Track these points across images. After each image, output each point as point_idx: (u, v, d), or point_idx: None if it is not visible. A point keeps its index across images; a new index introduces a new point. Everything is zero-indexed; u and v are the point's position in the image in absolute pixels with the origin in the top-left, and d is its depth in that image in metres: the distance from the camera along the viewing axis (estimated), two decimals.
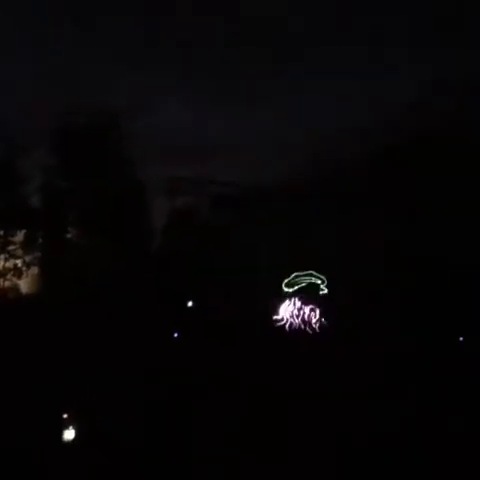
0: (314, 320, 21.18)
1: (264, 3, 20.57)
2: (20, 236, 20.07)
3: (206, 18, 20.31)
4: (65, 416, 12.17)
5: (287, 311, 21.38)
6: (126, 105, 18.95)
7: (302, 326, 21.11)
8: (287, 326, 21.15)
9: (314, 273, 21.57)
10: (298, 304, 21.42)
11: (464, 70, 19.82)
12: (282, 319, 21.21)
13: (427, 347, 17.63)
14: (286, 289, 21.53)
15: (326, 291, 21.42)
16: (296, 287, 21.59)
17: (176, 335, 19.72)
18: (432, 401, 13.27)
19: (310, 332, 20.94)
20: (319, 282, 21.58)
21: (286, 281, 21.52)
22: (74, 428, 12.08)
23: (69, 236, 20.39)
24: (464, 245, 20.12)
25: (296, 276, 21.65)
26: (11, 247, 19.86)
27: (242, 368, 15.17)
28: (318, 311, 21.28)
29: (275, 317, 21.15)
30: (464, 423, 11.85)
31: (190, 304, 21.61)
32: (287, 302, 21.42)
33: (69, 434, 12.18)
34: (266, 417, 11.71)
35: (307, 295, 21.43)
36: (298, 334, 20.86)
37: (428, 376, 15.34)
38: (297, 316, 21.29)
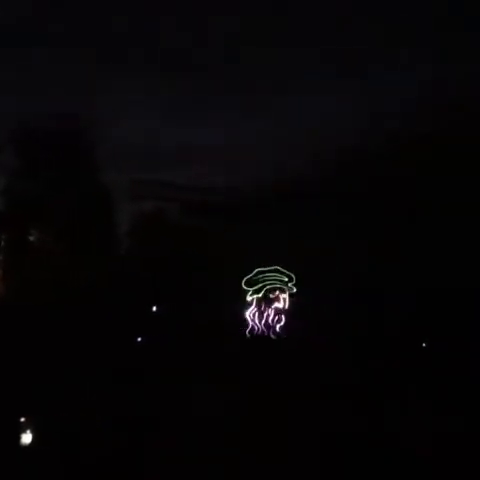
0: (279, 325, 19.44)
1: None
2: None
3: (192, 17, 20.04)
4: (22, 420, 12.17)
5: (248, 314, 19.56)
6: (97, 109, 18.97)
7: (265, 331, 19.36)
8: (248, 331, 19.43)
9: (280, 269, 19.62)
10: (262, 306, 19.57)
11: (464, 70, 19.62)
12: (243, 323, 19.46)
13: (392, 352, 17.75)
14: (246, 288, 19.66)
15: (295, 290, 19.52)
16: (260, 285, 19.66)
17: (139, 339, 19.75)
18: (397, 403, 13.42)
19: (274, 338, 19.27)
20: (286, 280, 19.61)
21: (246, 278, 19.62)
22: (31, 432, 12.10)
23: (32, 239, 20.28)
24: (432, 251, 20.24)
25: (259, 272, 19.68)
26: None
27: (199, 374, 15.25)
28: (284, 314, 19.49)
29: (237, 321, 19.49)
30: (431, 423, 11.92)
31: (154, 309, 21.63)
32: (249, 302, 19.55)
33: (26, 438, 12.20)
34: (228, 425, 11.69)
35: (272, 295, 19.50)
36: (260, 340, 19.29)
37: (393, 380, 15.39)
38: (260, 320, 19.48)
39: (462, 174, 19.59)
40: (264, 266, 19.62)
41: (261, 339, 19.39)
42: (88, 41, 18.43)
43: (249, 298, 19.61)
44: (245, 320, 19.63)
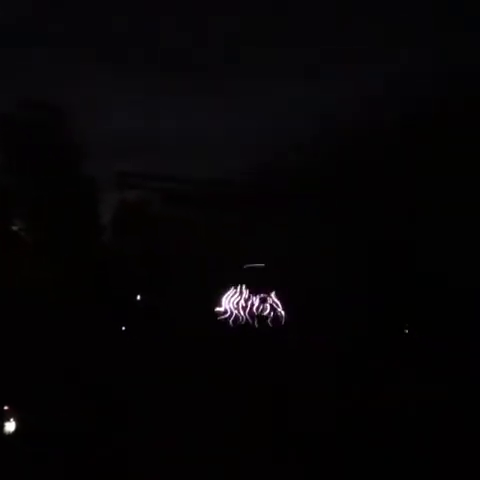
0: (265, 313, 19.34)
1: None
2: None
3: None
4: (6, 408, 12.31)
5: (231, 302, 19.47)
6: (78, 100, 18.93)
7: (249, 320, 19.20)
8: (231, 320, 19.29)
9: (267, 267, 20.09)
10: (245, 294, 19.49)
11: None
12: (225, 312, 19.39)
13: (376, 339, 18.06)
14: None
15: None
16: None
17: (124, 329, 19.91)
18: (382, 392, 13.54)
19: (258, 327, 19.18)
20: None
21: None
22: (15, 420, 12.25)
23: (15, 229, 20.27)
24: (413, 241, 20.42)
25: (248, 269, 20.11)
26: None
27: (182, 362, 15.35)
28: (269, 302, 19.46)
29: (218, 309, 19.46)
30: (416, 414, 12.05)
31: (138, 298, 21.75)
32: (232, 291, 19.53)
33: (10, 426, 12.35)
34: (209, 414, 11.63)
35: (258, 283, 19.62)
36: (244, 329, 19.17)
37: (379, 368, 15.79)
38: (244, 308, 19.35)
39: (451, 173, 19.71)
40: (251, 259, 19.95)
41: (244, 328, 19.32)
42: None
43: (232, 288, 19.67)
44: (225, 309, 19.59)
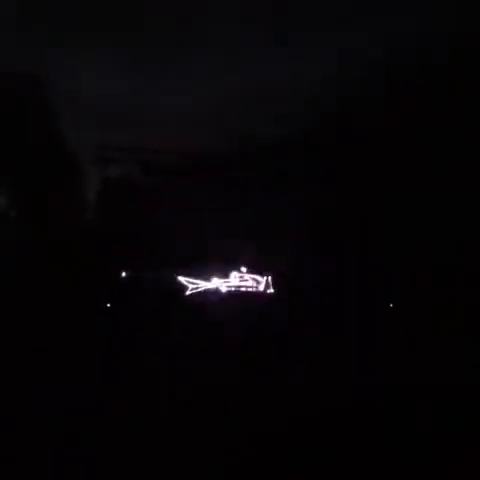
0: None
1: None
2: None
3: None
4: None
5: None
6: (55, 71, 18.25)
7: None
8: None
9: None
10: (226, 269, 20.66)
11: None
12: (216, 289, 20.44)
13: (360, 312, 18.09)
14: None
15: None
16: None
17: (109, 305, 19.87)
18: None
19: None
20: None
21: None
22: None
23: None
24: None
25: None
26: None
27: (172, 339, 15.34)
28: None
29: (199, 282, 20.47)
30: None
31: (124, 274, 21.65)
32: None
33: None
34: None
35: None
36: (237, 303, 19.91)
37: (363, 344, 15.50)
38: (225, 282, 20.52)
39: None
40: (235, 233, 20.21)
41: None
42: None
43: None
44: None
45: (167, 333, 15.94)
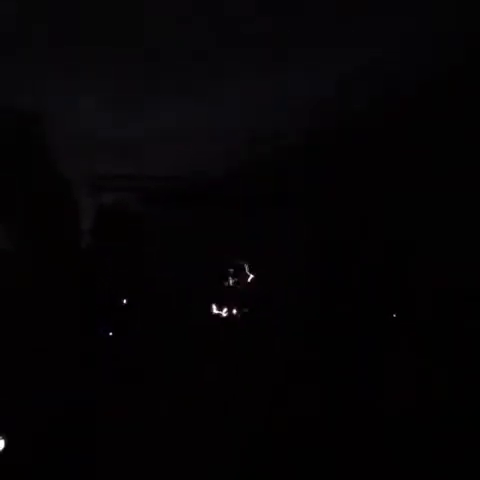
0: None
1: None
2: None
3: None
4: None
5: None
6: (48, 105, 18.42)
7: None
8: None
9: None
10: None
11: None
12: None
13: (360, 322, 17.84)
14: None
15: None
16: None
17: (111, 334, 19.67)
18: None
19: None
20: None
21: None
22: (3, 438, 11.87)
23: None
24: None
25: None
26: None
27: (177, 364, 15.21)
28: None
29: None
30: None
31: (124, 302, 21.51)
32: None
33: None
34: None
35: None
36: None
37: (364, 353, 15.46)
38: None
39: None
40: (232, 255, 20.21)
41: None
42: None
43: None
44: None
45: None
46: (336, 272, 19.01)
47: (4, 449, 11.22)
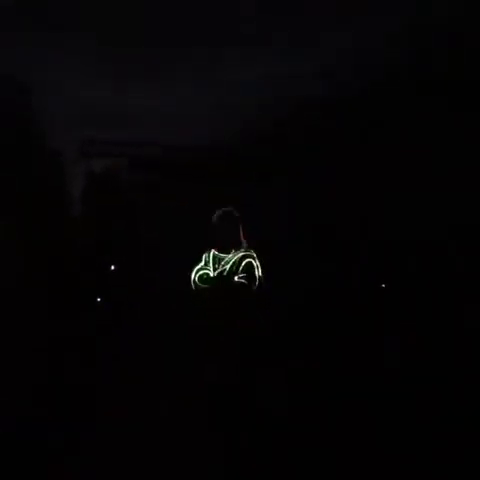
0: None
1: None
2: None
3: None
4: None
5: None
6: (40, 73, 17.94)
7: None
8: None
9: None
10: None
11: None
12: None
13: (350, 293, 18.08)
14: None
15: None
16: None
17: (99, 300, 20.00)
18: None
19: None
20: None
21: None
22: None
23: None
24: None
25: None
26: None
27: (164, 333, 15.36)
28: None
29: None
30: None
31: (113, 268, 21.73)
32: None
33: None
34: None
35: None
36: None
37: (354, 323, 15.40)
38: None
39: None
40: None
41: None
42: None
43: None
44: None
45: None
46: (330, 255, 19.30)
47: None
